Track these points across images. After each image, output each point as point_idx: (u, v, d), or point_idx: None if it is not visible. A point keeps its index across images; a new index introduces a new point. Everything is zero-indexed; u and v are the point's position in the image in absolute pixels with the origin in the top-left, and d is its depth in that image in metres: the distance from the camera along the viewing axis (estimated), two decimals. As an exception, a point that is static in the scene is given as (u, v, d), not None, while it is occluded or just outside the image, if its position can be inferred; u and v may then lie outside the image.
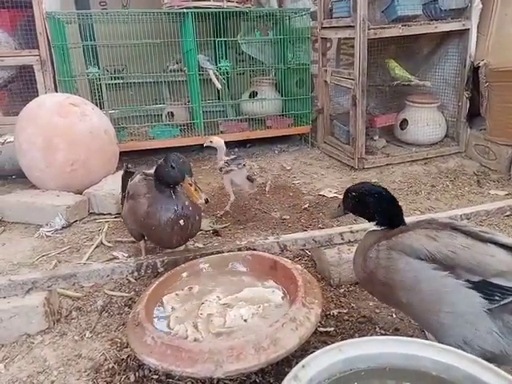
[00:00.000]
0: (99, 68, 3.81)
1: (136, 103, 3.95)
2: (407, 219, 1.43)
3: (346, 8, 3.38)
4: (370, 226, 1.47)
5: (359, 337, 1.51)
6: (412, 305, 1.23)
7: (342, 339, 1.51)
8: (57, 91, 3.55)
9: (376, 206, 1.40)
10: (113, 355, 1.52)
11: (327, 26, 3.71)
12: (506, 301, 1.08)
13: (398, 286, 1.23)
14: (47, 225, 2.59)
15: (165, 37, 3.85)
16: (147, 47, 3.95)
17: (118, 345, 1.57)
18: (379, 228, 1.42)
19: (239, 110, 4.44)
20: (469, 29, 3.37)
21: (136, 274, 1.78)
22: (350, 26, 3.31)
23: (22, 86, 3.64)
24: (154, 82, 4.24)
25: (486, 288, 1.10)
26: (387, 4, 3.38)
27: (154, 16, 3.79)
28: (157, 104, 4.34)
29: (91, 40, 3.78)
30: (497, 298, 1.09)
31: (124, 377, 1.41)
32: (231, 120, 4.18)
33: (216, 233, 2.47)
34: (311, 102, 4.22)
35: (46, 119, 2.83)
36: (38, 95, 3.34)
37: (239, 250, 1.81)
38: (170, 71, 4.07)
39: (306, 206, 2.81)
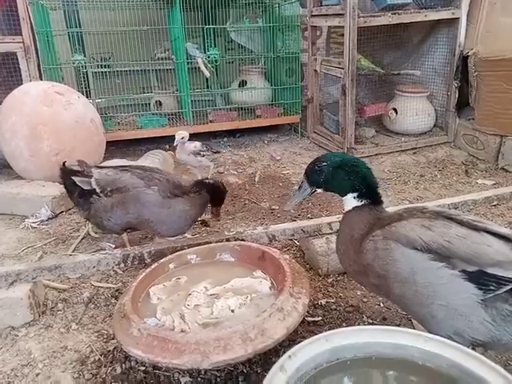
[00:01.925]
0: (85, 56, 3.74)
1: (123, 92, 3.88)
2: (396, 208, 1.42)
3: (335, -4, 3.35)
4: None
5: (347, 326, 1.51)
6: (404, 296, 1.20)
7: (330, 328, 1.51)
8: (42, 79, 3.47)
9: (357, 175, 1.30)
10: (99, 347, 1.50)
11: (317, 13, 3.68)
12: (501, 291, 1.08)
13: (393, 278, 1.20)
14: (33, 216, 2.55)
15: (152, 24, 3.79)
16: (134, 34, 3.87)
17: (105, 336, 1.56)
18: (359, 203, 1.32)
19: (228, 99, 4.39)
20: (458, 18, 3.37)
21: (123, 265, 1.76)
22: (340, 14, 3.28)
23: (6, 74, 3.54)
24: (141, 71, 4.18)
25: (481, 278, 1.09)
26: (377, -8, 3.36)
27: (142, 2, 3.73)
28: (144, 93, 4.29)
29: (77, 27, 3.69)
30: (492, 287, 1.08)
31: (110, 369, 1.39)
32: (220, 109, 4.14)
33: (204, 223, 2.46)
34: (301, 91, 4.19)
35: (31, 107, 2.77)
36: (22, 83, 3.26)
37: (227, 240, 1.80)
38: (158, 59, 4.01)
39: (296, 195, 2.80)
